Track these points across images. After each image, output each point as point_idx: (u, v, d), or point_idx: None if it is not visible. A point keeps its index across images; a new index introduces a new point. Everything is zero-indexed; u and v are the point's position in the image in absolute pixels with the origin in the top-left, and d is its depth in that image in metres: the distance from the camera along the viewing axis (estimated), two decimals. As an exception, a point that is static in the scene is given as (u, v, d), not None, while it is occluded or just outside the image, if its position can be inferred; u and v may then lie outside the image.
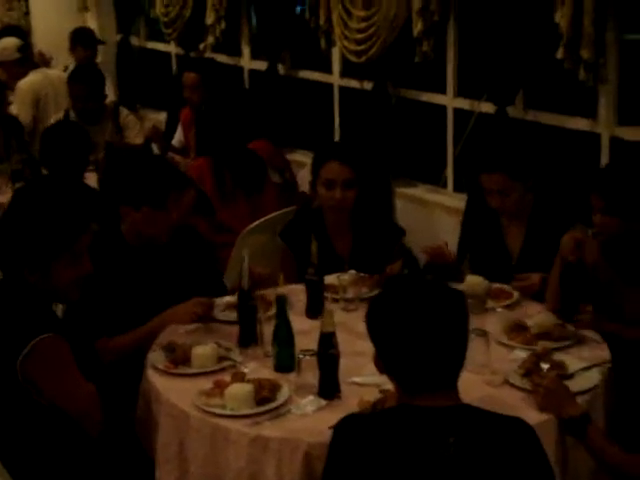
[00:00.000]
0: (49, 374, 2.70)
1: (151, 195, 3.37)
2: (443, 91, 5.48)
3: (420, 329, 2.18)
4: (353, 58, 5.66)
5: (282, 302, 2.96)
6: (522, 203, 3.71)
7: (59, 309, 3.17)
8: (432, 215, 5.53)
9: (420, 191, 5.74)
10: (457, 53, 5.33)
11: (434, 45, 5.15)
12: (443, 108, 5.51)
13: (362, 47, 5.52)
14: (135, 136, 6.06)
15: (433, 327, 2.18)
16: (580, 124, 4.69)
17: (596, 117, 4.56)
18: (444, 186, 5.64)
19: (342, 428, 2.22)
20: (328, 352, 2.74)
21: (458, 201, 5.29)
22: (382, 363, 2.27)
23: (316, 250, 3.38)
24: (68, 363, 2.73)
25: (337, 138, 6.36)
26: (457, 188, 5.51)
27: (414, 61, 5.24)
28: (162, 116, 7.31)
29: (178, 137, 6.27)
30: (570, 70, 4.33)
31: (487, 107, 5.05)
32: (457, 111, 5.44)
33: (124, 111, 6.17)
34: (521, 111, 4.95)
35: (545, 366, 2.84)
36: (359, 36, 5.51)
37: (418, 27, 5.08)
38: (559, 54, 4.30)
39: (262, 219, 4.59)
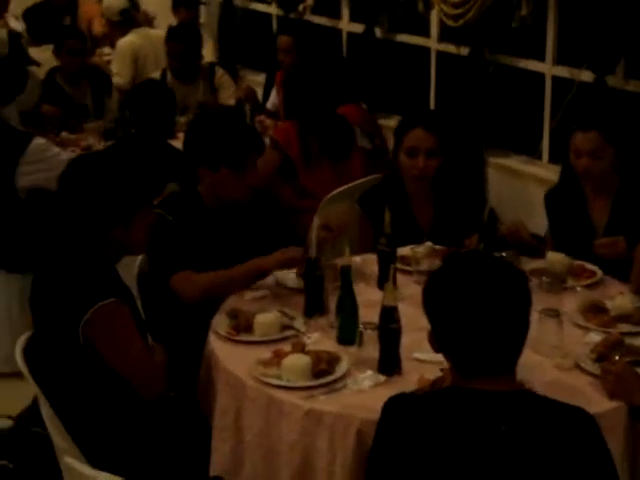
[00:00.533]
0: (108, 341, 2.70)
1: (229, 156, 3.34)
2: (542, 58, 5.27)
3: (476, 309, 2.07)
4: (450, 22, 5.50)
5: (346, 273, 2.89)
6: (609, 175, 3.53)
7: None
8: (526, 187, 5.36)
9: (514, 162, 5.56)
10: (557, 19, 5.11)
11: (533, 10, 4.96)
12: (541, 76, 5.31)
13: (459, 10, 5.35)
14: (229, 97, 6.06)
15: (490, 307, 2.07)
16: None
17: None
18: (539, 157, 5.45)
19: (390, 408, 2.15)
20: (389, 326, 2.66)
21: (553, 173, 5.06)
22: (437, 342, 2.18)
23: (389, 220, 3.28)
24: (128, 330, 2.73)
25: (432, 104, 6.22)
26: (553, 159, 5.31)
27: (512, 26, 5.06)
28: (261, 77, 7.28)
29: (272, 100, 6.22)
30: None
31: (587, 76, 4.84)
32: (556, 80, 5.24)
33: (219, 71, 6.17)
34: (621, 81, 4.72)
35: (618, 352, 2.69)
36: (456, -1, 5.35)
37: (517, -10, 4.90)
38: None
39: (345, 186, 4.51)
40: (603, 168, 3.52)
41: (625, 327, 2.94)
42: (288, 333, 2.92)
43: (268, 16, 8.08)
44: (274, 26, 7.98)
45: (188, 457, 2.86)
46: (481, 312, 2.06)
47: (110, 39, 7.15)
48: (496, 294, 2.08)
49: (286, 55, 5.98)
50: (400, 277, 3.32)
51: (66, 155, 4.37)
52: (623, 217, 3.51)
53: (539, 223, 4.56)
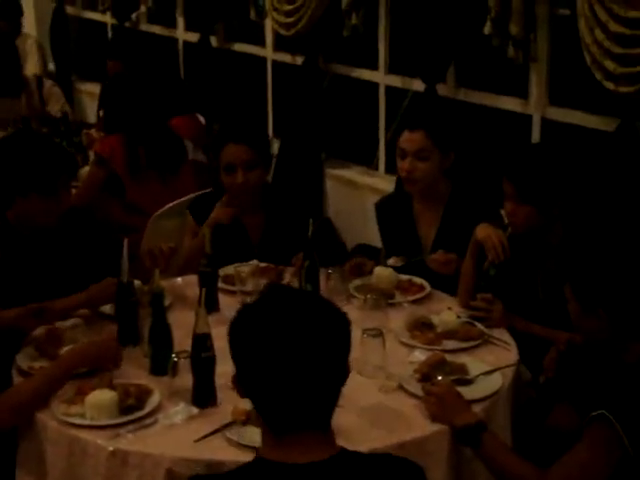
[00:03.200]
0: None
1: (38, 181, 3.10)
2: (376, 68, 5.23)
3: (286, 353, 1.76)
4: (283, 31, 5.39)
5: (157, 298, 2.71)
6: (437, 184, 3.46)
7: None
8: (363, 198, 5.29)
9: (352, 173, 5.50)
10: (388, 28, 5.07)
11: (365, 19, 4.90)
12: (376, 85, 5.26)
13: (291, 19, 5.25)
14: (58, 110, 5.77)
15: (302, 352, 1.76)
16: (511, 104, 4.45)
17: (527, 97, 4.33)
18: (376, 168, 5.40)
19: None
20: (201, 355, 2.49)
21: (390, 183, 5.04)
22: (242, 387, 1.85)
23: (210, 238, 3.13)
24: None
25: (270, 114, 6.11)
26: (389, 170, 5.26)
27: (344, 35, 4.99)
28: (98, 88, 7.00)
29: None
30: (499, 47, 4.09)
31: (418, 85, 4.81)
32: (390, 90, 5.20)
33: (47, 83, 5.89)
34: (452, 89, 4.71)
35: (440, 372, 2.60)
36: (288, 8, 5.25)
37: (346, -1, 4.83)
38: (486, 29, 4.05)
39: (174, 202, 4.32)
40: (427, 171, 3.43)
41: (451, 344, 2.87)
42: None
43: (102, 25, 7.82)
44: (109, 35, 7.73)
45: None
46: (291, 357, 1.77)
47: None
48: (311, 337, 1.77)
49: (113, 65, 5.76)
50: (224, 298, 3.18)
51: None
52: (452, 230, 3.45)
53: (375, 234, 4.50)
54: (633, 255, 2.34)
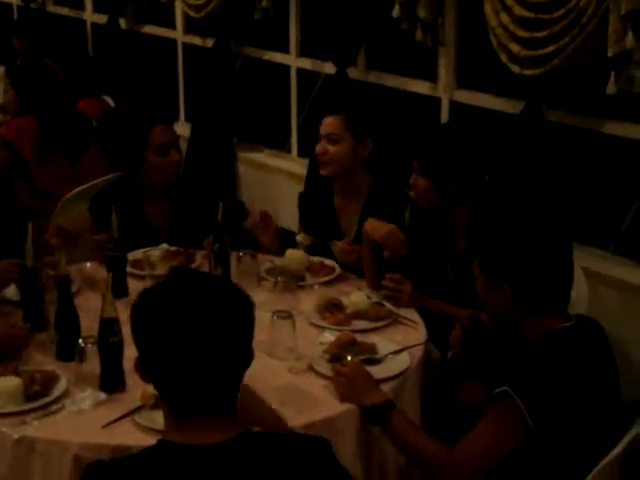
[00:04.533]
0: None
1: None
2: (287, 51, 5.21)
3: (187, 334, 1.73)
4: (193, 13, 5.35)
5: (63, 283, 2.66)
6: (353, 172, 3.46)
7: None
8: (276, 181, 5.29)
9: (264, 156, 5.48)
10: (299, 10, 5.07)
11: (275, 1, 4.88)
12: (287, 68, 5.25)
13: (201, 1, 5.21)
14: None
15: (203, 333, 1.73)
16: (421, 87, 4.50)
17: (436, 80, 4.37)
18: (289, 151, 5.40)
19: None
20: (109, 340, 2.46)
21: (302, 167, 5.04)
22: (144, 371, 1.81)
23: (117, 223, 3.08)
24: None
25: (182, 97, 6.05)
26: (301, 153, 5.27)
27: (255, 18, 4.96)
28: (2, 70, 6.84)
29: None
30: (408, 31, 4.12)
31: (330, 68, 4.81)
32: (302, 72, 5.19)
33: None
34: (363, 72, 4.73)
35: (350, 352, 2.62)
36: (198, -10, 5.20)
37: (256, -19, 4.81)
38: (395, 13, 4.07)
39: (84, 186, 4.25)
40: (338, 154, 3.43)
41: (360, 324, 2.89)
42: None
43: (8, 6, 7.62)
44: (15, 16, 7.54)
45: None
46: (192, 340, 1.74)
47: None
48: (213, 320, 1.76)
49: (18, 44, 5.64)
50: (133, 283, 3.14)
51: None
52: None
53: (288, 218, 4.51)
54: (536, 232, 2.39)
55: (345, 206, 3.54)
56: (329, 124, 3.45)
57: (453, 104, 4.31)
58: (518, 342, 2.39)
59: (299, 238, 3.45)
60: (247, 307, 1.82)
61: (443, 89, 4.33)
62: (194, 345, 1.73)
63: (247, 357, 1.81)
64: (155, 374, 1.78)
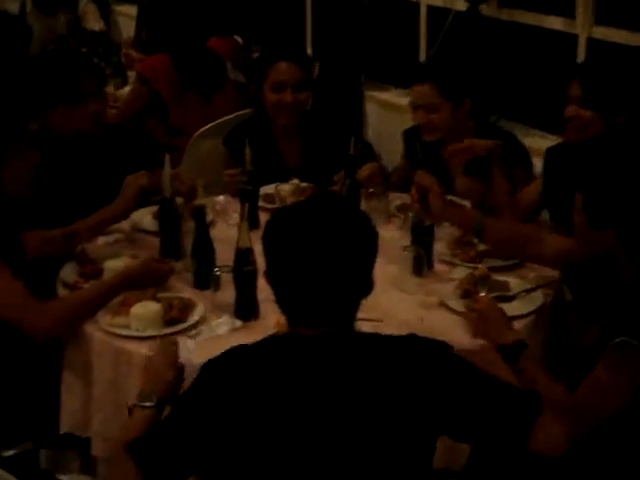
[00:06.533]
0: None
1: (61, 90, 3.09)
2: (418, -13, 5.14)
3: (310, 251, 1.83)
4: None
5: (200, 214, 2.72)
6: (459, 133, 3.40)
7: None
8: (403, 120, 5.22)
9: (391, 95, 5.43)
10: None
11: None
12: (417, 5, 5.17)
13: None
14: (95, 22, 5.78)
15: (325, 252, 1.83)
16: (557, 23, 4.36)
17: (574, 16, 4.23)
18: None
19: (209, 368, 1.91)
20: (244, 269, 2.51)
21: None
22: (269, 281, 1.94)
23: (250, 157, 3.12)
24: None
25: (309, 36, 6.04)
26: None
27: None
28: (134, 10, 6.95)
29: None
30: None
31: (461, 4, 4.72)
32: (432, 9, 5.10)
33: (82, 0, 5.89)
34: (495, 9, 4.62)
35: (483, 288, 2.60)
36: None
37: None
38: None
39: (215, 122, 4.31)
40: (440, 122, 3.38)
41: (491, 262, 2.86)
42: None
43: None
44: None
45: (38, 414, 2.67)
46: (314, 253, 1.84)
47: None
48: (336, 238, 1.86)
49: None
50: (265, 216, 3.17)
51: None
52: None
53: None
54: None
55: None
56: (423, 94, 3.38)
57: (590, 41, 4.17)
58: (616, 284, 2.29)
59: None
60: (371, 236, 1.91)
61: (581, 25, 4.18)
62: (314, 260, 1.83)
63: (365, 284, 1.91)
64: (276, 282, 1.91)
